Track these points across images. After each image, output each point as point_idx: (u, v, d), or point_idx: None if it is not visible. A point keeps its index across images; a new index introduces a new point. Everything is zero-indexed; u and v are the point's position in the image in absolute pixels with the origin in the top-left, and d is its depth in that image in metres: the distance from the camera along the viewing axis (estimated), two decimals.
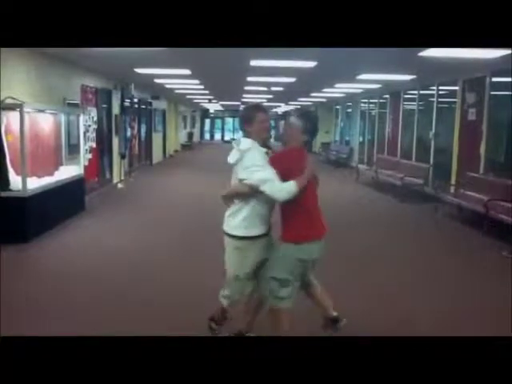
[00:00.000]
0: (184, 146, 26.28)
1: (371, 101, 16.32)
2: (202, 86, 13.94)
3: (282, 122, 38.06)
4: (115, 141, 12.21)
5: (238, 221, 3.17)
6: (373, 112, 16.32)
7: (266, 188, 3.01)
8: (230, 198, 3.21)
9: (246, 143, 3.15)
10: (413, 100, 12.62)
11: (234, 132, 38.54)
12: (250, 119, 3.20)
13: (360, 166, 15.13)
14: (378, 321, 4.02)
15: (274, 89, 14.34)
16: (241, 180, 3.14)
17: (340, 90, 14.07)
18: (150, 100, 16.72)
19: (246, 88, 14.21)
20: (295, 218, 3.12)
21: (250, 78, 11.15)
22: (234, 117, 37.94)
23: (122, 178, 12.47)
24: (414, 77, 10.22)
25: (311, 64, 8.13)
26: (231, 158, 3.23)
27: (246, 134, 3.21)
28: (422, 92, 12.09)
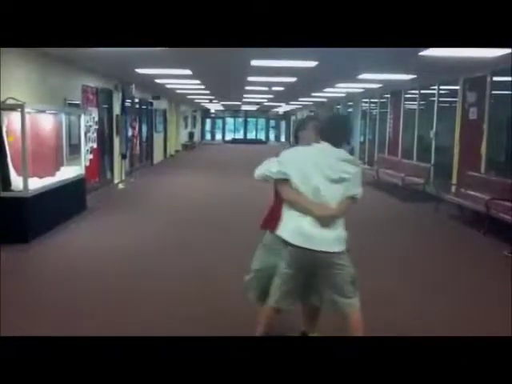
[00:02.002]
0: (185, 146, 26.28)
1: (372, 100, 16.31)
2: (202, 86, 13.94)
3: (282, 122, 38.08)
4: (116, 141, 12.21)
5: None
6: (373, 112, 16.31)
7: (359, 197, 3.11)
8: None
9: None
10: (413, 99, 12.60)
11: (234, 132, 38.56)
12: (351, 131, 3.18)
13: (361, 165, 15.11)
14: (377, 320, 4.02)
15: (274, 89, 14.34)
16: (354, 196, 3.06)
17: (341, 89, 14.06)
18: (150, 100, 16.72)
19: (247, 88, 14.22)
20: None
21: (250, 78, 11.15)
22: (234, 117, 37.96)
23: (123, 178, 12.47)
24: (414, 76, 10.21)
25: (312, 64, 8.13)
26: (345, 173, 2.99)
27: (340, 146, 3.05)
28: (422, 91, 12.08)
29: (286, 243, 3.04)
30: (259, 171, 3.14)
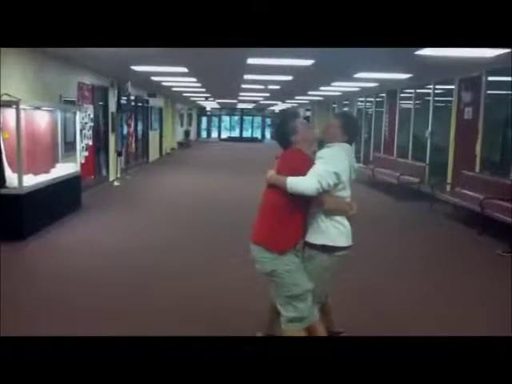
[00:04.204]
0: (181, 144, 26.22)
1: (368, 99, 16.33)
2: (198, 84, 13.91)
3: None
4: (112, 138, 12.18)
5: None
6: (369, 110, 16.33)
7: None
8: None
9: None
10: (409, 99, 12.63)
11: (230, 130, 38.49)
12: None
13: (356, 164, 15.13)
14: (375, 320, 4.03)
15: (270, 87, 14.33)
16: None
17: (337, 88, 14.07)
18: (146, 98, 16.67)
19: (243, 86, 14.20)
20: None
21: (246, 76, 11.14)
22: (230, 115, 37.88)
23: (119, 175, 12.44)
24: (410, 75, 10.23)
25: (308, 62, 8.13)
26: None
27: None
28: (418, 91, 12.10)
29: (334, 249, 2.99)
30: (312, 185, 2.80)
